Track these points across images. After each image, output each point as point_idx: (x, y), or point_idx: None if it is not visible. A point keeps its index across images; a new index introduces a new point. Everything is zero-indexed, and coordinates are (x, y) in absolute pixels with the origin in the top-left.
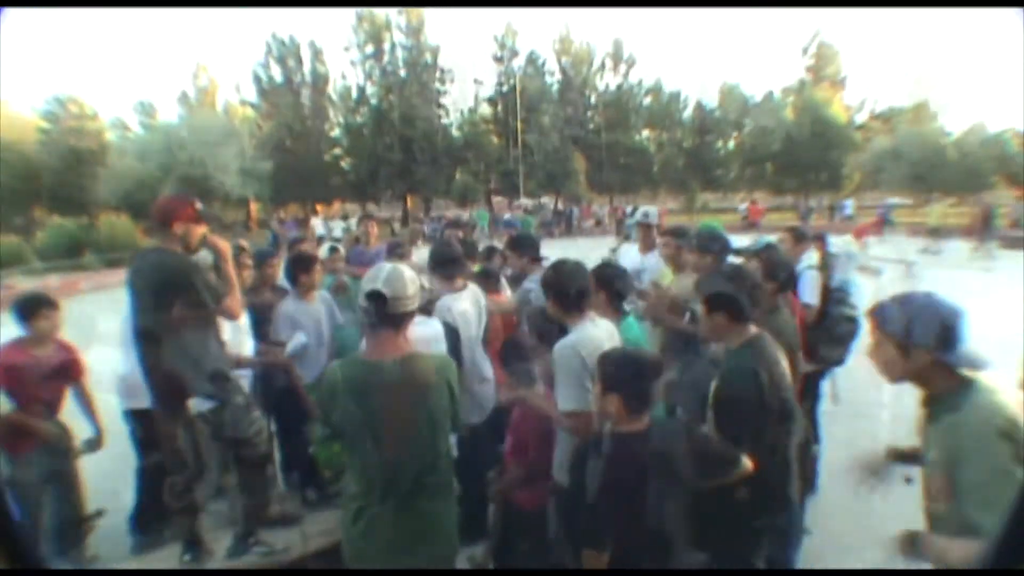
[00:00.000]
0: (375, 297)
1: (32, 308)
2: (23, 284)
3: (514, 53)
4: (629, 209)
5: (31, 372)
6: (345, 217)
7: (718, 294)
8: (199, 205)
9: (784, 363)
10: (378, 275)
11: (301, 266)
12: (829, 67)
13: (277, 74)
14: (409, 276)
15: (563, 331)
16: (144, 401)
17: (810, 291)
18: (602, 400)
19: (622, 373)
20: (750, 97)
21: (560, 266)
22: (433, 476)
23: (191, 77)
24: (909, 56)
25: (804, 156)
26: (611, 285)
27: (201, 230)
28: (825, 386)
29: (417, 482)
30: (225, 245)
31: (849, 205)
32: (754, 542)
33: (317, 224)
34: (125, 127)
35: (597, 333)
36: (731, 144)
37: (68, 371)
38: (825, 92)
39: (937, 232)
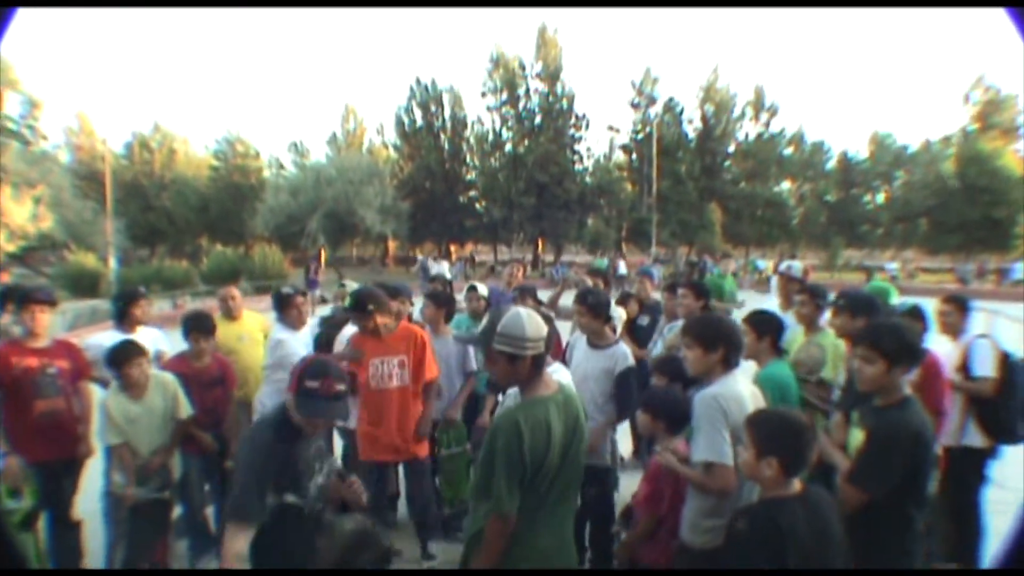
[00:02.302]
0: (541, 340)
1: (192, 326)
2: (191, 304)
3: (652, 100)
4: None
5: (191, 381)
6: (449, 257)
7: (902, 346)
8: None
9: None
10: (526, 320)
11: (444, 304)
12: (1000, 114)
13: (419, 117)
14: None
15: (690, 381)
16: None
17: (983, 362)
18: (757, 464)
19: (781, 435)
20: (904, 147)
21: (709, 317)
22: (573, 501)
23: (340, 119)
24: None
25: (966, 212)
26: (774, 329)
27: None
28: (994, 468)
29: (568, 504)
30: None
31: (1019, 268)
32: None
33: (431, 264)
34: (281, 166)
35: (740, 388)
36: (880, 197)
37: (223, 382)
38: (995, 141)
39: None
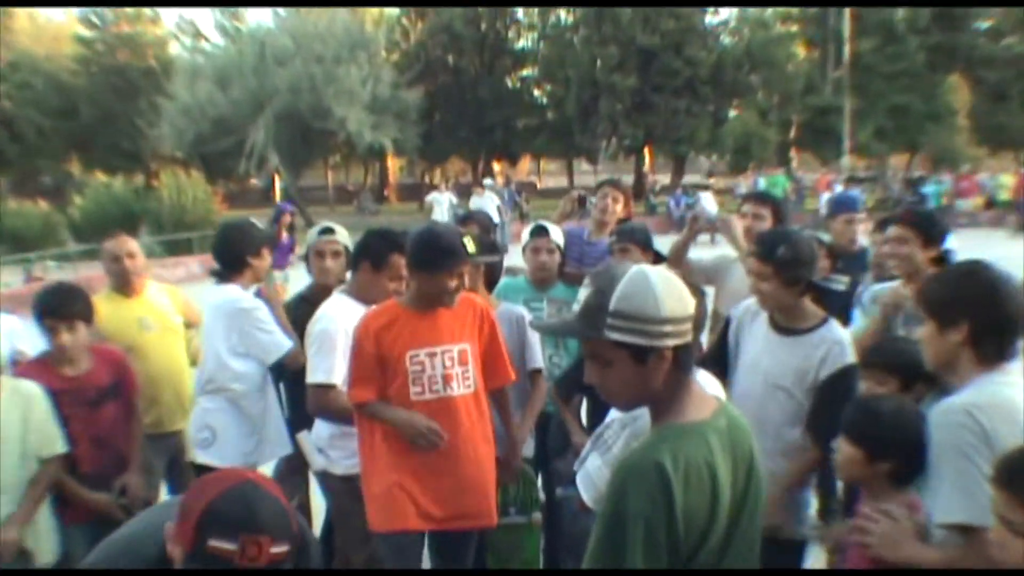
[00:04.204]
0: (686, 322)
1: (48, 310)
2: (55, 273)
3: None
4: None
5: (63, 399)
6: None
7: None
8: None
9: None
10: (659, 287)
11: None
12: None
13: None
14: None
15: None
16: None
17: None
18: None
19: None
20: None
21: (950, 275)
22: None
23: None
24: None
25: None
26: None
27: None
28: None
29: None
30: None
31: None
32: None
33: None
34: (198, 35)
35: (1013, 394)
36: None
37: (120, 394)
38: None
39: None
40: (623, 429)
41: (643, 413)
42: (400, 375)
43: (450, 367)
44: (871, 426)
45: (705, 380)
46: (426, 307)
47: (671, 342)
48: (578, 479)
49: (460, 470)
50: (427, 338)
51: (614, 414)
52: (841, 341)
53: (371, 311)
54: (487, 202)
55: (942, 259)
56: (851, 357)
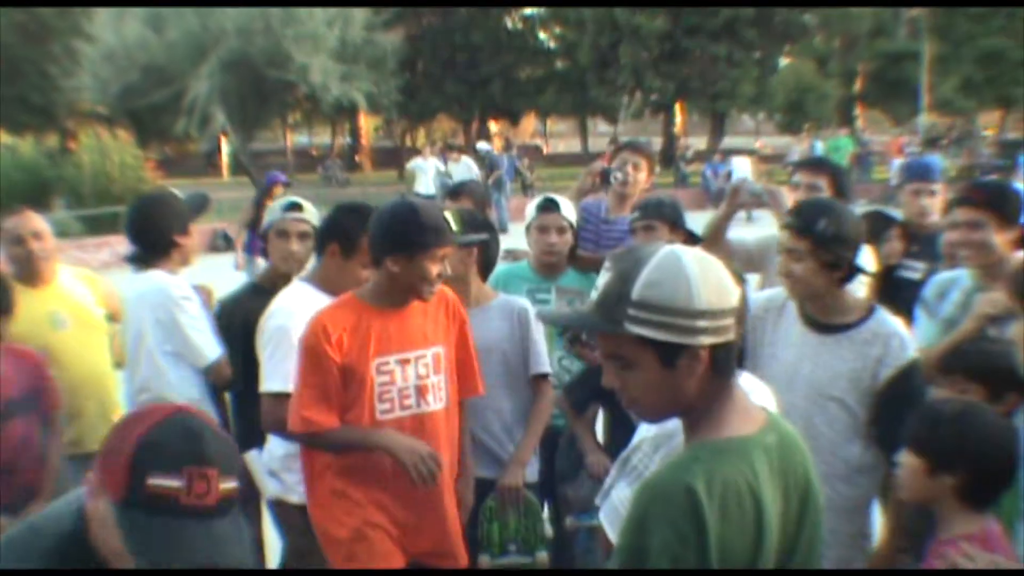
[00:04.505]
0: (728, 314)
1: None
2: None
3: None
4: None
5: None
6: (452, 148)
7: None
8: None
9: None
10: (692, 271)
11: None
12: None
13: None
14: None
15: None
16: None
17: None
18: None
19: None
20: None
21: None
22: None
23: None
24: None
25: None
26: None
27: None
28: None
29: None
30: None
31: None
32: None
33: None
34: None
35: None
36: None
37: (34, 407)
38: None
39: None
40: (656, 452)
41: (679, 431)
42: (365, 389)
43: (425, 376)
44: (931, 430)
45: (751, 386)
46: (396, 302)
47: (706, 339)
48: (602, 514)
49: (443, 501)
50: (398, 342)
51: (643, 432)
52: (897, 333)
53: (326, 309)
54: (463, 170)
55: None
56: (912, 350)
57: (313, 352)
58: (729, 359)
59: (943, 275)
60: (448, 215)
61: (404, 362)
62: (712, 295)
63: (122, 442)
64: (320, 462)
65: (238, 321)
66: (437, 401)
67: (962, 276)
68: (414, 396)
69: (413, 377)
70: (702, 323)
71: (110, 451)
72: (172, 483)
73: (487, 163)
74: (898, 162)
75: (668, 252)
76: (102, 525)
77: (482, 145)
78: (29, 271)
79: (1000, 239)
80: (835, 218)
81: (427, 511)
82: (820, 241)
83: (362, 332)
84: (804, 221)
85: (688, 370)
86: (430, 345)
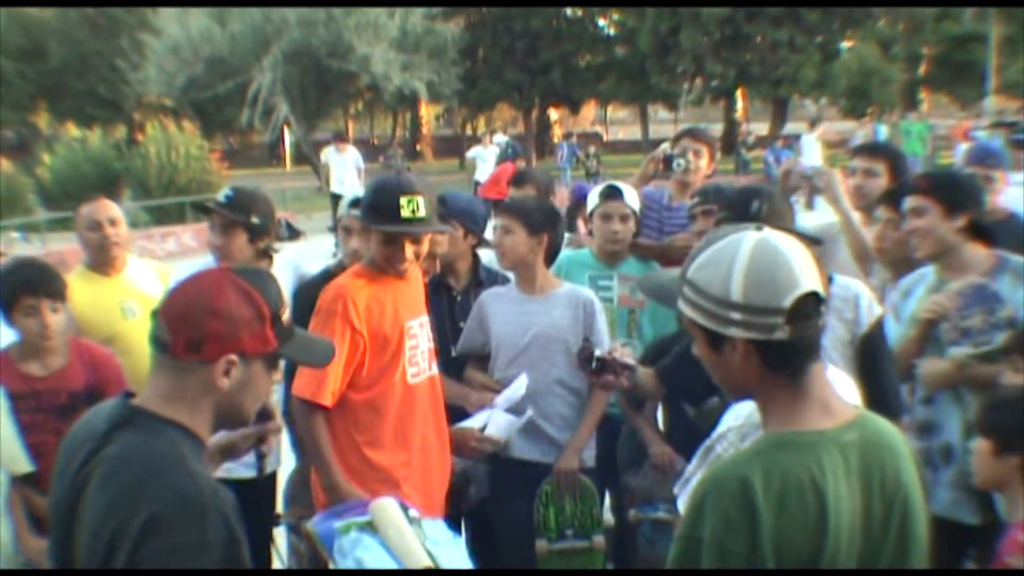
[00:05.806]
0: (808, 304)
1: (14, 291)
2: (19, 248)
3: None
4: None
5: (25, 406)
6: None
7: None
8: None
9: None
10: (743, 262)
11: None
12: None
13: None
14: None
15: None
16: None
17: None
18: None
19: None
20: None
21: None
22: None
23: None
24: None
25: None
26: None
27: None
28: None
29: None
30: None
31: None
32: None
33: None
34: None
35: None
36: None
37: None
38: None
39: None
40: (742, 441)
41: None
42: (401, 353)
43: (430, 340)
44: (995, 412)
45: (839, 381)
46: (396, 272)
47: (739, 333)
48: (680, 504)
49: (444, 461)
50: (412, 308)
51: (729, 420)
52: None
53: (348, 280)
54: (488, 155)
55: (976, 229)
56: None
57: (338, 320)
58: (784, 356)
59: (909, 276)
60: (421, 200)
61: (422, 325)
62: (753, 290)
63: (231, 307)
64: (340, 432)
65: (307, 304)
66: (435, 365)
67: (928, 273)
68: (426, 359)
69: (425, 340)
70: (735, 315)
71: (226, 321)
72: (286, 314)
73: (509, 153)
74: (962, 146)
75: (761, 238)
76: (251, 383)
77: (499, 137)
78: (103, 257)
79: (947, 227)
80: (949, 174)
81: (439, 473)
82: (939, 190)
83: (389, 299)
84: (923, 184)
85: (731, 358)
86: (424, 312)
